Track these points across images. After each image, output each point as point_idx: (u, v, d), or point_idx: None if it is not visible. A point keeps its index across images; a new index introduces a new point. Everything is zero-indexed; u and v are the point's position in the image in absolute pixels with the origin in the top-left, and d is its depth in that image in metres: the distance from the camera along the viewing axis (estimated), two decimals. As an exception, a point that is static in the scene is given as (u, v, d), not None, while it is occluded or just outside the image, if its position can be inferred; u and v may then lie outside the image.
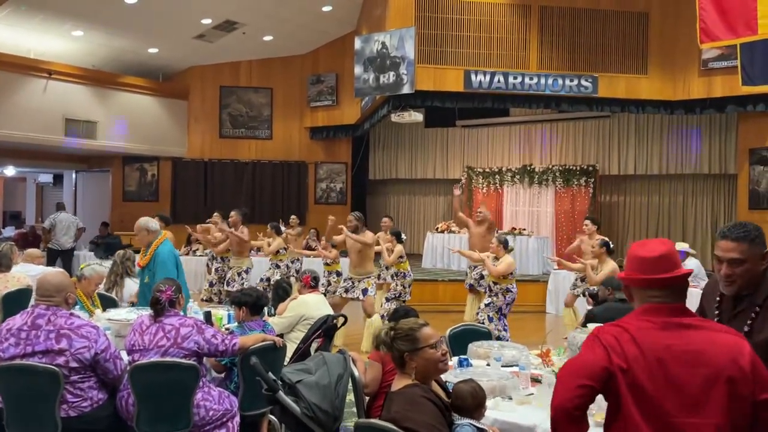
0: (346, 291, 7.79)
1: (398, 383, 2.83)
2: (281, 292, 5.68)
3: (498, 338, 7.28)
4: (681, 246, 9.41)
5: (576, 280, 8.55)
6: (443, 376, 3.46)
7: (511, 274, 7.47)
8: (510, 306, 7.50)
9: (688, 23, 10.13)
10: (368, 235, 7.75)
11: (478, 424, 2.84)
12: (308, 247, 10.88)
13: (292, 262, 10.00)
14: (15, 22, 11.55)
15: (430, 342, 2.86)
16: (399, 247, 8.50)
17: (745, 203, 11.50)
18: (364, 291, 7.65)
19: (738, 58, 7.43)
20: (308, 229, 12.10)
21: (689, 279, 8.22)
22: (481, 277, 8.75)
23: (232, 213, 9.04)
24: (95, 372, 3.54)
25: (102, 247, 10.98)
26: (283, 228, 10.16)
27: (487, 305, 7.47)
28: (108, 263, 6.33)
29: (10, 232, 16.66)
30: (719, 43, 6.73)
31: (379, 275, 8.33)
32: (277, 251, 9.81)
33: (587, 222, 8.41)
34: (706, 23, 6.21)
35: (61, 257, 11.76)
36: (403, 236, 8.88)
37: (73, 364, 3.43)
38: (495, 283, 7.47)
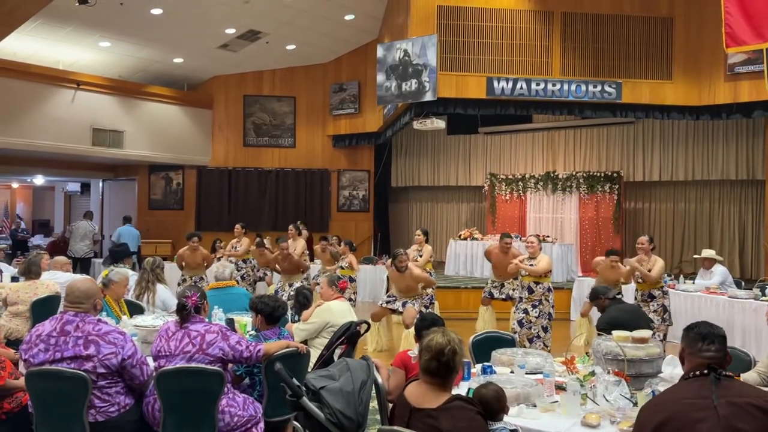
0: (387, 303, 7.91)
1: (436, 397, 2.69)
2: (302, 299, 5.70)
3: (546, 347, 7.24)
4: (707, 253, 9.29)
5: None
6: (468, 384, 3.46)
7: (550, 270, 7.53)
8: (553, 308, 7.53)
9: (712, 28, 10.02)
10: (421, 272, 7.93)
11: (510, 426, 2.85)
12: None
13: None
14: (45, 34, 11.79)
15: None
16: (429, 248, 8.64)
17: (774, 209, 11.31)
18: (404, 303, 7.74)
19: (764, 62, 7.33)
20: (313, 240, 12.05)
21: (717, 287, 8.08)
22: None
23: (291, 228, 9.40)
24: (122, 377, 3.59)
25: (110, 256, 10.58)
26: (266, 241, 10.17)
27: (537, 317, 7.35)
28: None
29: (39, 240, 16.98)
30: (745, 48, 6.67)
31: None
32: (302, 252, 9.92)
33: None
34: (732, 27, 6.16)
35: (78, 265, 11.81)
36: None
37: (101, 370, 3.49)
38: (537, 283, 7.39)
